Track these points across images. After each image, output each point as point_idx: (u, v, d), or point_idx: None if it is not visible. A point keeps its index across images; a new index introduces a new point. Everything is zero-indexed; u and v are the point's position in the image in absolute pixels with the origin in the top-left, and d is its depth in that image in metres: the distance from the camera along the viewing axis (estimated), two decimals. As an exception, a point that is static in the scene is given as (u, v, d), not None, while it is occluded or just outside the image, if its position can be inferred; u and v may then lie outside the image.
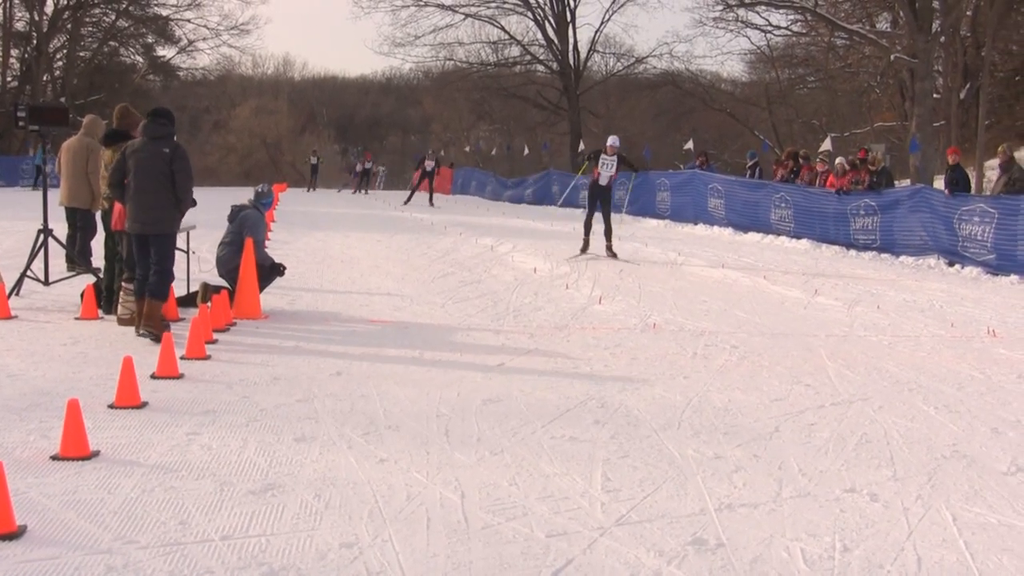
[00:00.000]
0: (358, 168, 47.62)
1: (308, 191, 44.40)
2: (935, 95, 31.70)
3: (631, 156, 17.83)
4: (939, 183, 21.42)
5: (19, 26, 50.53)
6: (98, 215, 12.04)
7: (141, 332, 9.27)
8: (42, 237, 11.57)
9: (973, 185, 26.69)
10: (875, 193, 19.55)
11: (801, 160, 23.88)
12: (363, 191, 45.05)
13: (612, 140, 17.75)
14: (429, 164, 36.23)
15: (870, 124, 41.96)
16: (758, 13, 39.47)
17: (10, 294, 10.95)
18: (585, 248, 17.45)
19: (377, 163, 50.50)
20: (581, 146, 42.67)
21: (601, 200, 17.52)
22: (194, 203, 9.85)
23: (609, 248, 17.44)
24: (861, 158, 21.26)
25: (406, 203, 34.80)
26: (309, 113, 73.22)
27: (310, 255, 17.02)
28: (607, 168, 17.23)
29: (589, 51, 51.82)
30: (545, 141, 52.21)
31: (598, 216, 17.72)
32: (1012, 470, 5.86)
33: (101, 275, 11.06)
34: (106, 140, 10.62)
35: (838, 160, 21.56)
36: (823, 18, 36.50)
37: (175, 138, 9.59)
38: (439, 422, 6.59)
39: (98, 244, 12.01)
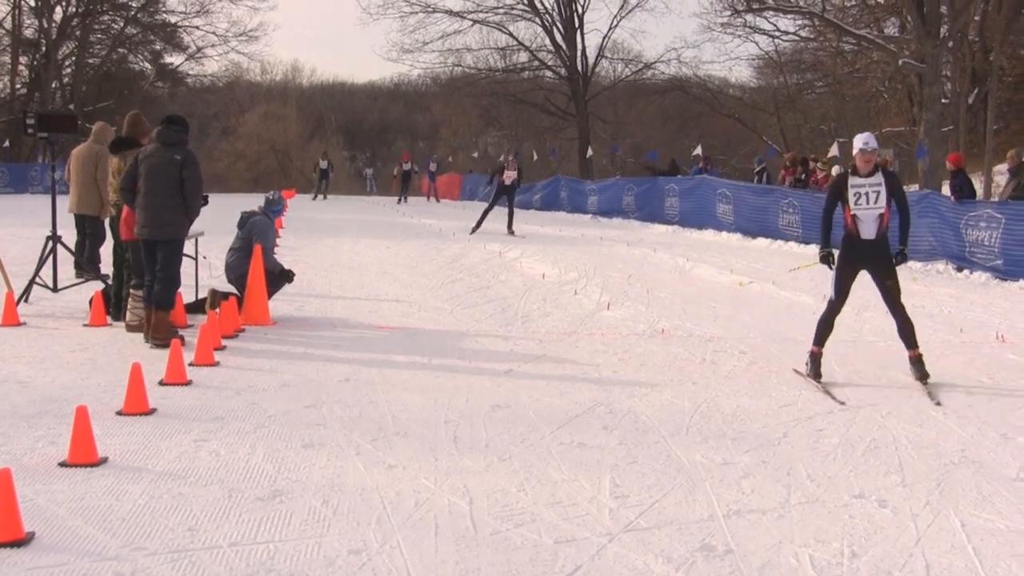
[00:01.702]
0: (395, 171, 45.37)
1: (315, 199, 41.46)
2: (943, 100, 31.59)
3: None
4: (946, 190, 21.38)
5: (28, 33, 50.72)
6: (107, 222, 12.07)
7: (147, 341, 9.30)
8: (50, 244, 11.60)
9: (983, 190, 26.66)
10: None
11: (812, 165, 23.91)
12: (404, 198, 41.20)
13: (865, 140, 8.74)
14: (510, 176, 23.91)
15: (878, 129, 41.78)
16: (766, 18, 39.56)
17: (19, 301, 10.98)
18: (817, 370, 8.51)
19: (414, 163, 45.64)
20: (589, 152, 42.48)
21: (874, 268, 8.88)
22: (206, 201, 9.88)
23: (917, 362, 8.47)
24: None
25: (473, 231, 23.61)
26: (318, 119, 73.17)
27: (319, 261, 17.04)
28: (868, 200, 8.62)
29: (597, 57, 51.76)
30: (553, 147, 52.11)
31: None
32: (1021, 476, 5.85)
33: (110, 282, 11.09)
34: (113, 147, 10.64)
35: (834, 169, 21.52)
36: (831, 23, 36.45)
37: (188, 145, 9.64)
38: (447, 428, 6.60)
39: (107, 251, 12.05)
